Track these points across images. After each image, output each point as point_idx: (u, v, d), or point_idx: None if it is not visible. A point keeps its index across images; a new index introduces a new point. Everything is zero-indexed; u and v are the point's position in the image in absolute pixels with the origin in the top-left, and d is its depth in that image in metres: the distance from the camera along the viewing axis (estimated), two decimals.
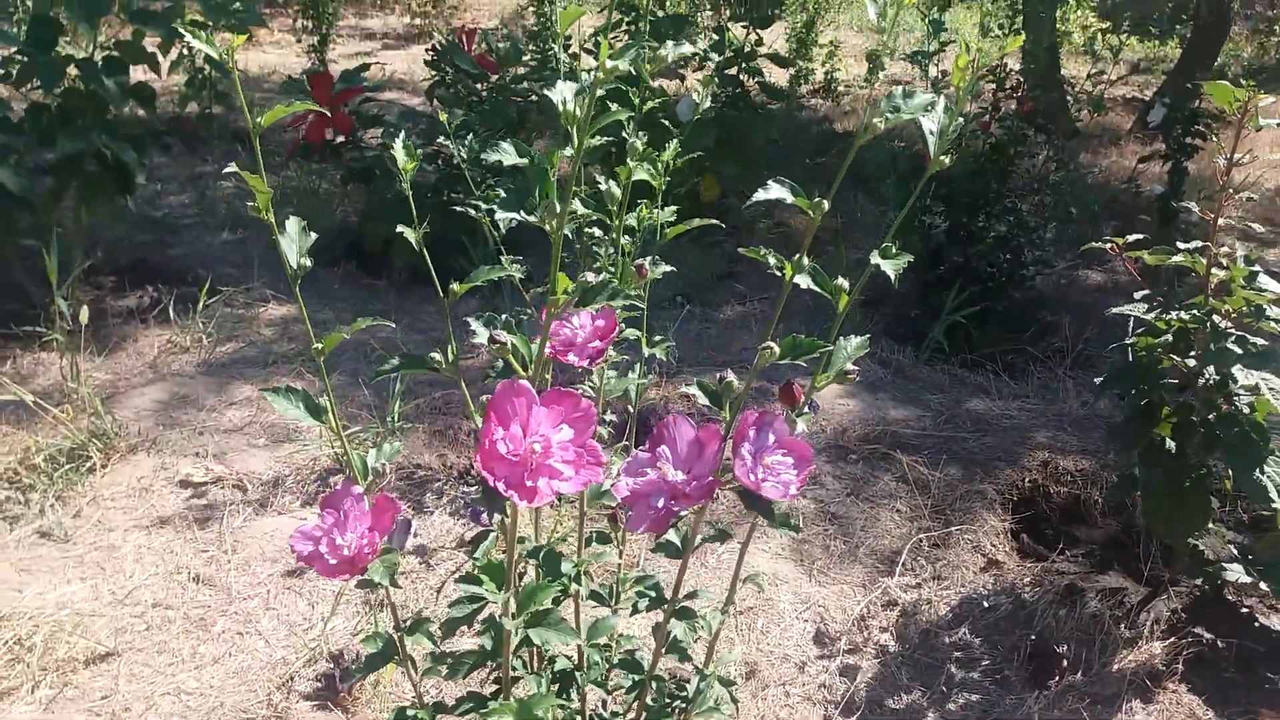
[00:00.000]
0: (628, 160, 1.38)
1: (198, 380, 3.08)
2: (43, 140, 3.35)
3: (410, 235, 1.38)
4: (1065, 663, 2.16)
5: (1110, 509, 2.73)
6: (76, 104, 3.43)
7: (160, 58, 3.81)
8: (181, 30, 1.14)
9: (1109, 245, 2.48)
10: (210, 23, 4.92)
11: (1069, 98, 5.87)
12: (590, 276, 1.06)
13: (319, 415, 1.22)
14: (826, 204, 1.13)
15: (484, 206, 1.30)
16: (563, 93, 0.97)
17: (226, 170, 1.17)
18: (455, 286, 1.31)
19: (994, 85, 3.73)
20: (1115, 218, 4.88)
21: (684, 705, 1.34)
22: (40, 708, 1.89)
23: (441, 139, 3.79)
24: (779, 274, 1.17)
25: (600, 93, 0.97)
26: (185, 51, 5.17)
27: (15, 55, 3.36)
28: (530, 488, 0.99)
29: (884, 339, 3.63)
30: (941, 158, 1.15)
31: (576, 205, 1.30)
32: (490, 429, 1.00)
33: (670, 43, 0.99)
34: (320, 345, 1.19)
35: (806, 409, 1.25)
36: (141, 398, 2.96)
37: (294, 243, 1.16)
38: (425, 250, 1.37)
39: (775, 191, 1.12)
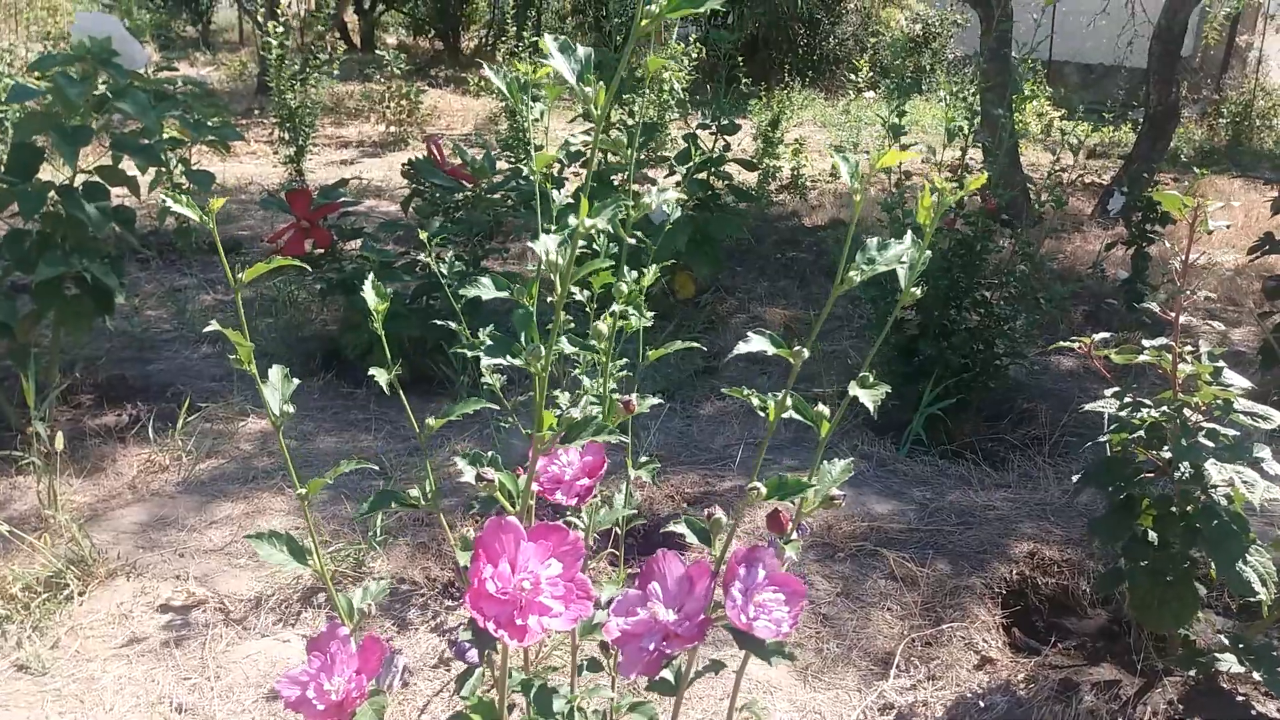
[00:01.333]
0: (614, 303, 1.41)
1: (178, 500, 3.06)
2: (21, 266, 3.37)
3: (382, 378, 1.40)
4: None
5: (1099, 599, 2.73)
6: (56, 229, 3.46)
7: (140, 178, 3.86)
8: (165, 196, 1.17)
9: (1078, 345, 2.53)
10: (188, 140, 5.03)
11: (1030, 188, 6.04)
12: (575, 413, 1.08)
13: (303, 559, 1.22)
14: (806, 352, 1.16)
15: (466, 349, 1.33)
16: (545, 245, 1.00)
17: (205, 330, 1.19)
18: (431, 421, 1.33)
19: (957, 185, 3.83)
20: (1083, 302, 4.99)
21: None
22: None
23: (421, 256, 3.85)
24: (762, 413, 1.20)
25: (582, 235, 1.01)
26: (163, 170, 5.24)
27: None
28: (520, 626, 1.00)
29: (864, 431, 3.65)
30: (913, 290, 1.19)
31: (563, 344, 1.32)
32: (479, 568, 1.01)
33: (654, 190, 1.03)
34: (304, 490, 1.20)
35: (795, 535, 1.27)
36: (121, 520, 2.92)
37: (277, 391, 1.18)
38: (406, 359, 1.39)
39: (756, 344, 1.15)
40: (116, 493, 3.08)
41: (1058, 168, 4.48)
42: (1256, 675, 2.18)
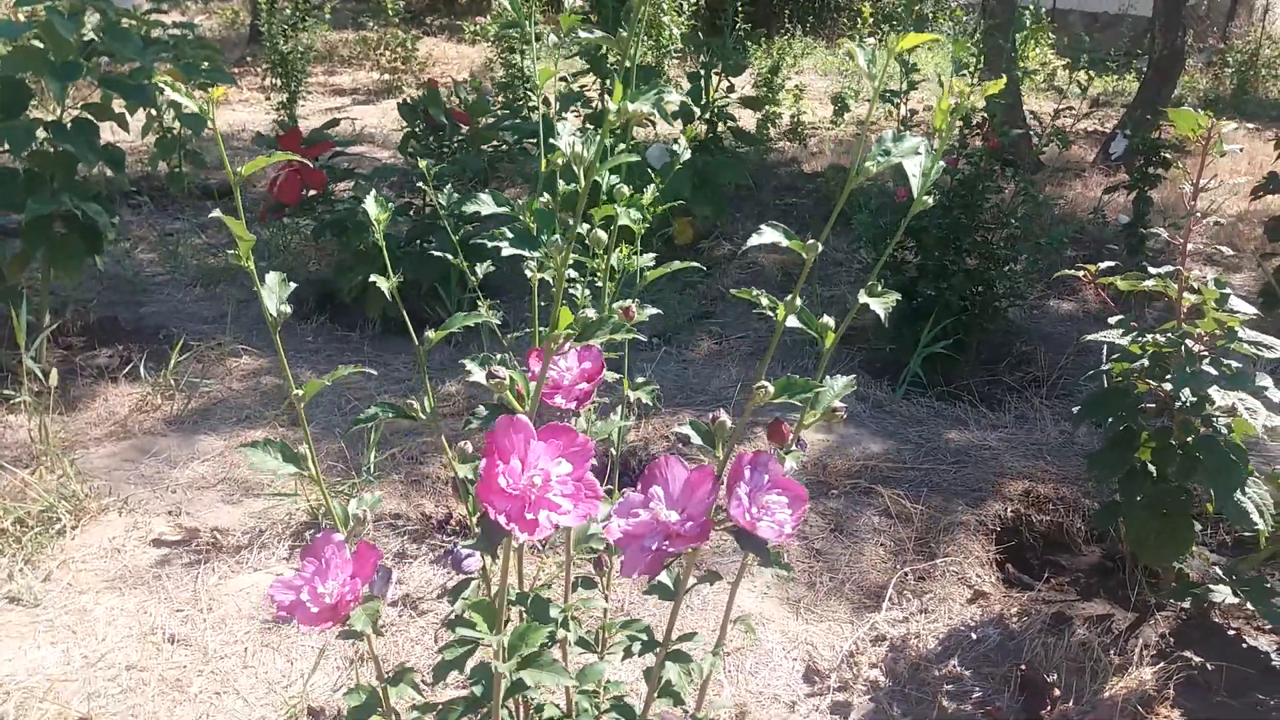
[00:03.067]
0: (615, 205, 1.38)
1: (170, 437, 3.04)
2: (10, 204, 3.33)
3: (383, 284, 1.37)
4: (1057, 692, 2.14)
5: (1093, 536, 2.72)
6: (45, 166, 3.41)
7: (130, 120, 3.80)
8: (160, 84, 1.13)
9: (1081, 273, 2.50)
10: (180, 84, 4.94)
11: (1033, 134, 5.97)
12: (590, 313, 1.06)
13: (298, 463, 1.20)
14: (819, 245, 1.14)
15: (471, 257, 1.30)
16: (568, 138, 0.97)
17: (211, 215, 1.16)
18: (431, 333, 1.31)
19: (961, 123, 3.78)
20: (1083, 248, 4.95)
21: None
22: None
23: (420, 185, 3.80)
24: (771, 314, 1.17)
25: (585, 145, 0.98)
26: (155, 111, 5.17)
27: None
28: (530, 520, 0.99)
29: (861, 374, 3.63)
30: (925, 197, 1.16)
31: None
32: (491, 463, 0.99)
33: (669, 90, 1.00)
34: (300, 392, 1.18)
35: (795, 447, 1.25)
36: (113, 457, 2.91)
37: (274, 293, 1.15)
38: (399, 299, 1.37)
39: (769, 235, 1.12)
40: (109, 430, 3.07)
41: (1062, 107, 4.41)
42: (1250, 606, 2.19)
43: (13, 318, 3.08)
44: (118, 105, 3.70)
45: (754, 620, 2.35)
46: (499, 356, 1.13)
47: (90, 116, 3.45)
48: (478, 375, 1.11)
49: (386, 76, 9.21)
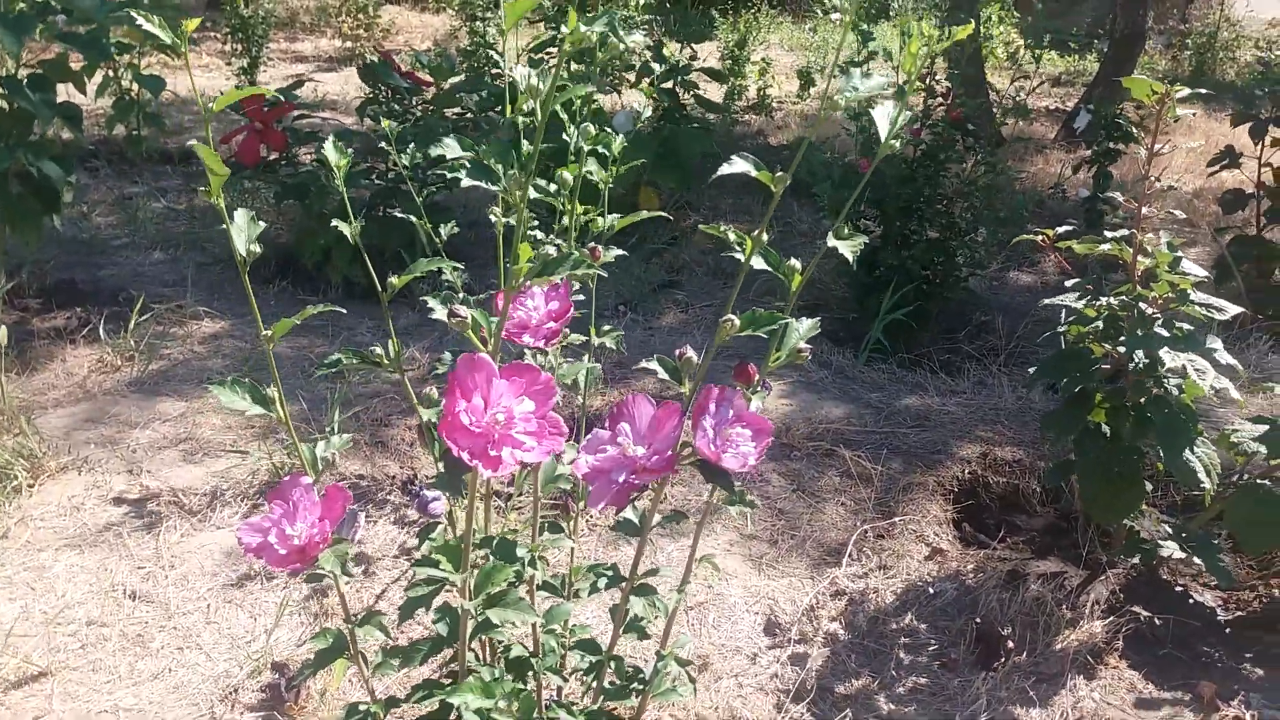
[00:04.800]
0: (579, 143, 1.38)
1: (130, 398, 3.01)
2: None
3: (346, 229, 1.37)
4: (1010, 644, 2.19)
5: (1048, 497, 2.78)
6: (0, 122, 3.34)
7: (86, 81, 3.73)
8: (118, 41, 1.11)
9: (1039, 237, 2.55)
10: (136, 43, 4.86)
11: (994, 108, 6.03)
12: (551, 250, 1.06)
13: (266, 404, 1.20)
14: (788, 178, 1.15)
15: (435, 218, 1.29)
16: (523, 72, 0.98)
17: (189, 144, 1.15)
18: (394, 279, 1.31)
19: (924, 93, 3.81)
20: (1043, 222, 5.01)
21: (642, 687, 1.33)
22: None
23: (383, 145, 3.77)
24: (738, 251, 1.19)
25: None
26: (111, 74, 5.08)
27: None
28: (494, 457, 0.99)
29: (824, 341, 3.67)
30: (892, 141, 1.18)
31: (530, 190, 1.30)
32: (453, 401, 1.00)
33: (625, 32, 1.00)
34: (269, 332, 1.18)
35: (760, 388, 1.27)
36: (71, 417, 2.88)
37: (242, 231, 1.15)
38: (366, 262, 1.37)
39: (739, 165, 1.14)
40: (67, 392, 3.03)
41: (1020, 74, 4.45)
42: (1198, 562, 2.25)
43: None
44: (75, 63, 3.63)
45: (719, 577, 2.38)
46: (460, 296, 1.14)
47: (46, 73, 3.39)
48: (440, 313, 1.12)
49: (349, 44, 9.10)
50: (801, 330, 1.20)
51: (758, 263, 1.17)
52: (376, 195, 4.03)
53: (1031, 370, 2.44)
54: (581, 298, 2.47)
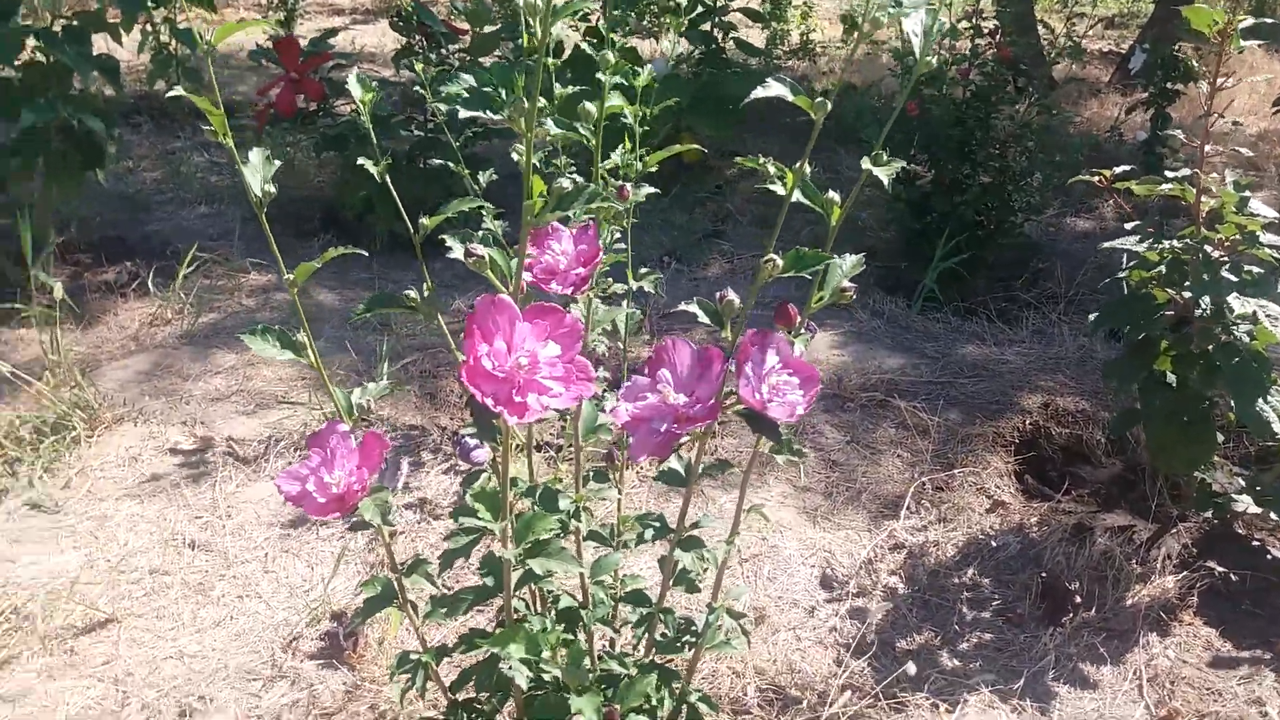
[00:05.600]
0: (601, 74, 1.32)
1: (181, 350, 3.02)
2: (4, 112, 3.25)
3: (373, 168, 1.33)
4: (1078, 599, 2.14)
5: (1113, 448, 2.72)
6: (38, 77, 3.33)
7: (123, 35, 3.71)
8: (147, 9, 1.08)
9: (1097, 178, 2.46)
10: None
11: (1046, 50, 5.84)
12: (565, 183, 1.01)
13: (298, 350, 1.18)
14: (829, 104, 1.09)
15: (473, 167, 1.25)
16: None
17: (169, 95, 1.12)
18: (425, 220, 1.27)
19: (971, 32, 3.69)
20: (1099, 166, 4.87)
21: (694, 640, 1.30)
22: (43, 675, 1.84)
23: (419, 91, 3.72)
24: (778, 184, 1.14)
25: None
26: (150, 28, 5.05)
27: None
28: (520, 403, 0.96)
29: (876, 291, 3.60)
30: (928, 59, 1.12)
31: (550, 125, 1.25)
32: (474, 345, 0.96)
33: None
34: (291, 275, 1.14)
35: (805, 330, 1.22)
36: (125, 370, 2.89)
37: (258, 171, 1.12)
38: (403, 212, 1.33)
39: (775, 89, 1.08)
40: (120, 344, 3.04)
41: (1073, 14, 4.29)
42: (1275, 517, 2.18)
43: (19, 233, 3.03)
44: (112, 16, 3.61)
45: (772, 529, 2.35)
46: (480, 234, 1.09)
47: (81, 24, 3.36)
48: (457, 252, 1.08)
49: None
50: (845, 267, 1.14)
51: (797, 198, 1.12)
52: (415, 146, 3.99)
53: (1092, 317, 2.36)
54: (623, 246, 2.43)
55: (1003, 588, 2.21)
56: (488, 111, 1.11)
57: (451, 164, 1.62)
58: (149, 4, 4.10)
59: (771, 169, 1.18)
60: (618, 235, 2.53)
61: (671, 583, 1.29)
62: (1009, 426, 2.77)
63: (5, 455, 2.40)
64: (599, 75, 1.46)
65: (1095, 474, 2.65)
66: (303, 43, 5.57)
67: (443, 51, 4.24)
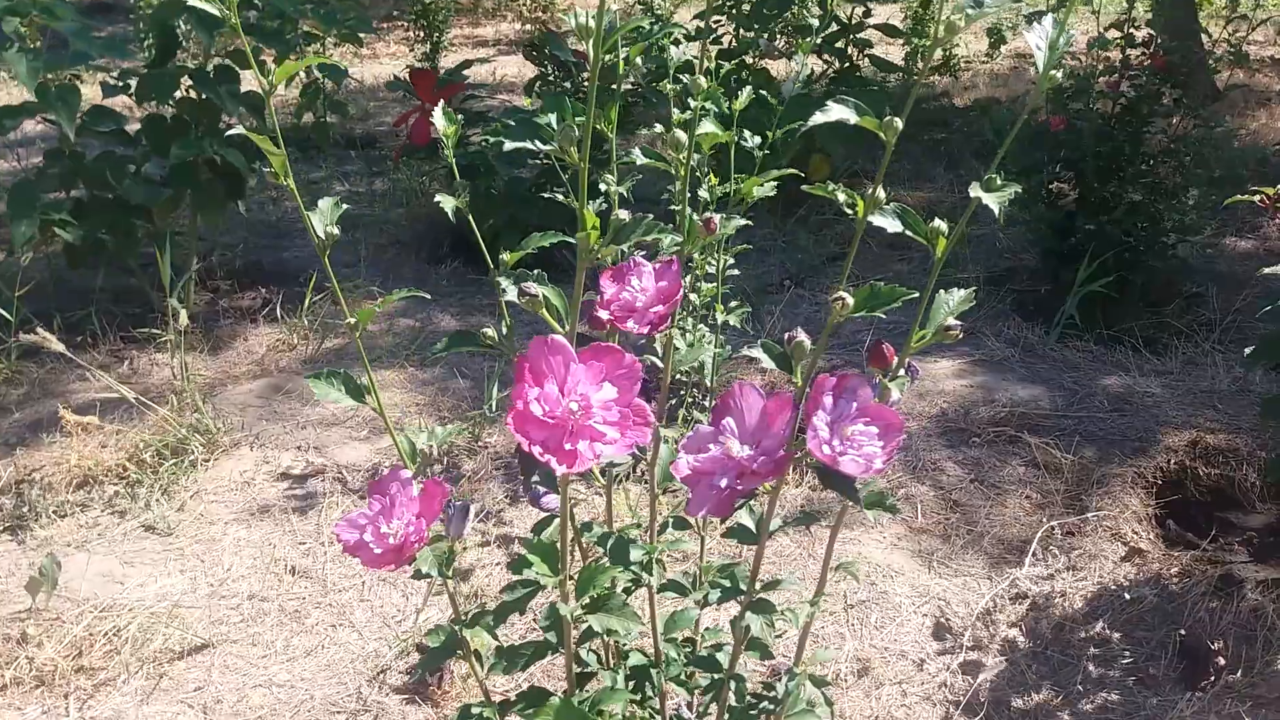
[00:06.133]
0: (691, 100, 1.25)
1: (302, 375, 3.10)
2: (157, 149, 3.43)
3: (447, 204, 1.31)
4: (1221, 661, 1.93)
5: (1270, 493, 2.45)
6: (190, 113, 3.50)
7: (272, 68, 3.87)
8: (297, 50, 1.09)
9: (1258, 197, 2.24)
10: (324, 33, 5.03)
11: (1208, 57, 5.45)
12: (623, 215, 0.94)
13: (359, 396, 1.15)
14: (899, 122, 0.99)
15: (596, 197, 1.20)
16: (579, 14, 0.86)
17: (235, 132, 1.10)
18: (506, 256, 1.22)
19: (1122, 41, 3.45)
20: (1265, 182, 4.49)
21: (773, 708, 1.20)
22: (136, 698, 1.88)
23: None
24: (850, 213, 1.04)
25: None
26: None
27: (137, 69, 3.47)
28: (570, 451, 0.89)
29: (1011, 316, 3.40)
30: (1053, 73, 0.99)
31: (637, 154, 1.18)
32: (523, 389, 0.90)
33: None
34: (354, 319, 1.12)
35: (902, 373, 1.10)
36: (248, 394, 2.98)
37: (325, 217, 1.10)
38: (479, 236, 1.30)
39: (836, 113, 0.98)
40: (246, 369, 3.15)
41: (1238, 18, 3.97)
42: None
43: (158, 260, 3.18)
44: (265, 54, 3.77)
45: (881, 572, 2.21)
46: (537, 272, 1.03)
47: (233, 64, 3.53)
48: (511, 294, 1.01)
49: (528, 27, 9.21)
50: (952, 304, 1.02)
51: (893, 225, 1.01)
52: (540, 175, 4.01)
53: (1250, 349, 2.14)
54: (737, 272, 2.35)
55: (1135, 645, 2.01)
56: (536, 142, 1.06)
57: (560, 195, 1.58)
58: (299, 43, 4.29)
59: (841, 196, 1.08)
60: (730, 262, 2.46)
61: (743, 649, 1.20)
62: (1151, 466, 2.54)
63: (128, 478, 2.50)
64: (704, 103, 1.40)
65: (1247, 520, 2.40)
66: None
67: (575, 80, 4.27)
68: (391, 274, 3.92)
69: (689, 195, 1.40)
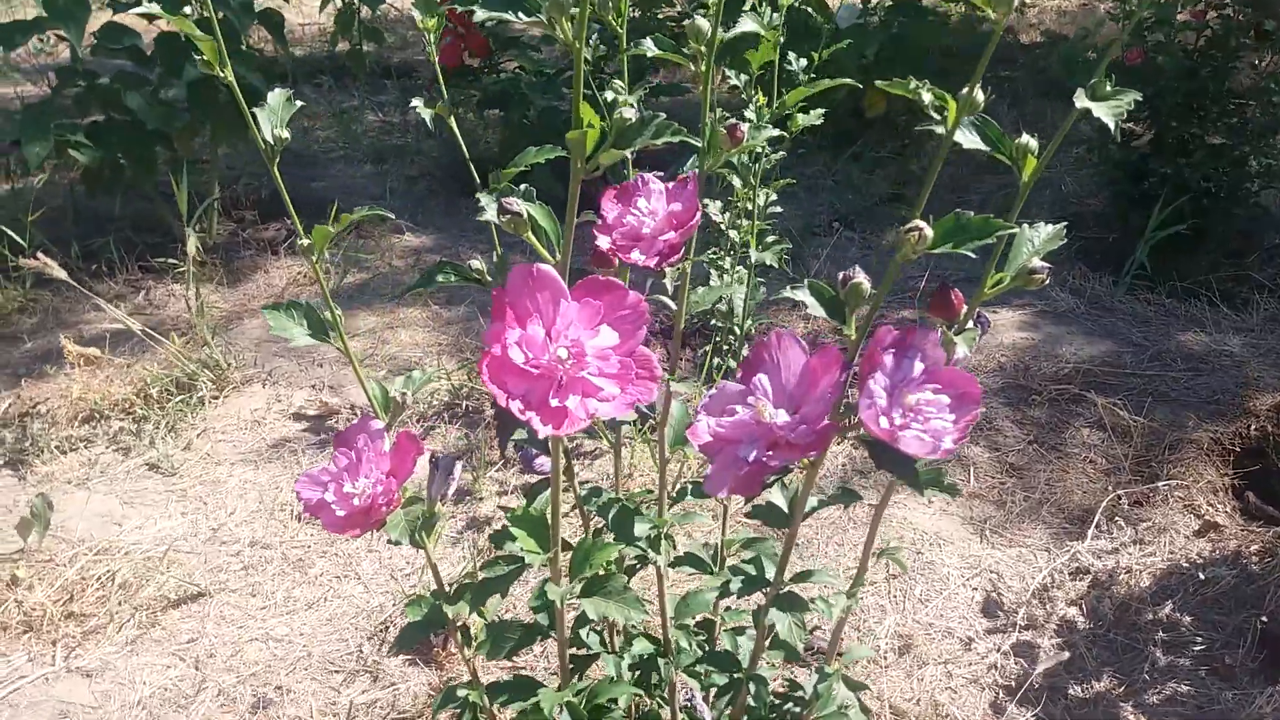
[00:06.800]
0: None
1: (323, 312, 2.95)
2: (172, 70, 3.28)
3: (425, 113, 1.14)
4: None
5: None
6: (205, 31, 3.34)
7: None
8: None
9: None
10: None
11: None
12: (629, 112, 0.76)
13: (322, 333, 0.98)
14: (980, 96, 0.79)
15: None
16: None
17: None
18: (501, 173, 1.04)
19: None
20: None
21: (799, 711, 1.03)
22: (125, 649, 1.77)
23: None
24: (937, 119, 0.84)
25: None
26: None
27: None
28: (557, 408, 0.72)
29: (1077, 265, 3.16)
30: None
31: (648, 44, 0.99)
32: (501, 330, 0.73)
33: None
34: (307, 241, 0.95)
35: (972, 325, 0.91)
36: (264, 329, 2.85)
37: (274, 114, 0.93)
38: (470, 164, 1.13)
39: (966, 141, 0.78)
40: (264, 302, 3.01)
41: None
42: None
43: (174, 187, 3.04)
44: None
45: (928, 540, 2.04)
46: (525, 187, 0.85)
47: None
48: (489, 210, 0.83)
49: None
50: (1037, 240, 0.83)
51: (972, 139, 0.82)
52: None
53: None
54: (780, 209, 2.14)
55: (1209, 630, 1.82)
56: (518, 14, 0.87)
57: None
58: None
59: (926, 96, 0.88)
60: (774, 198, 2.26)
61: (766, 647, 1.03)
62: (1229, 431, 2.33)
63: (134, 413, 2.38)
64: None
65: None
66: None
67: None
68: (421, 208, 3.76)
69: (730, 118, 1.21)
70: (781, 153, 2.16)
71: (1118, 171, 3.28)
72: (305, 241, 0.95)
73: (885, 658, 1.77)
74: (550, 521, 0.89)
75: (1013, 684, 1.72)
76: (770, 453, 0.75)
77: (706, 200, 2.48)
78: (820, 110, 2.15)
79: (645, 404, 0.73)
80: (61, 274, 2.38)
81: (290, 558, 2.01)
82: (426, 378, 1.04)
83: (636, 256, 0.93)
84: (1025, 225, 0.84)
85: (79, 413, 2.39)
